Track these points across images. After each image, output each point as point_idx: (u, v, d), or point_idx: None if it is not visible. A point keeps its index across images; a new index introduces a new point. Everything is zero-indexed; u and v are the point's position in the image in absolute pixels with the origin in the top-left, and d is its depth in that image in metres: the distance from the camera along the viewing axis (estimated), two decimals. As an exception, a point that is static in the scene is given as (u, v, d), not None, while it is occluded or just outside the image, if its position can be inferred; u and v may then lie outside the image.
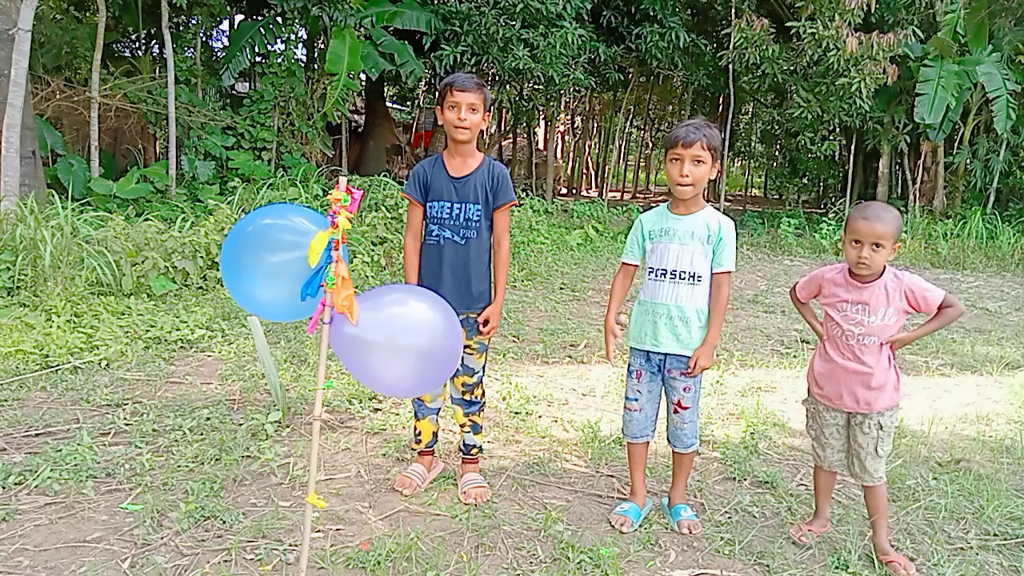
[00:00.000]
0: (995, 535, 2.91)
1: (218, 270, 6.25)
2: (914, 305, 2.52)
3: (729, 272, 2.76)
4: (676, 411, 2.81)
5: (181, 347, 4.85)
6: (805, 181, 18.41)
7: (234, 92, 12.48)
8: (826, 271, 2.69)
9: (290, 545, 2.59)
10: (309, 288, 1.48)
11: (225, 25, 14.07)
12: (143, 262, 5.96)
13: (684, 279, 2.75)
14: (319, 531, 2.71)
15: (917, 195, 13.76)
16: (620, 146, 21.98)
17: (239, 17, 13.57)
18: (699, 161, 2.67)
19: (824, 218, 13.34)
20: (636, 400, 2.87)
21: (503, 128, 18.85)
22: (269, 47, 11.44)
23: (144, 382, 4.16)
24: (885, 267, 2.55)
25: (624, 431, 2.94)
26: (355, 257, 7.15)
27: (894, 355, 2.61)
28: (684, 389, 2.79)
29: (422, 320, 1.51)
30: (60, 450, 3.19)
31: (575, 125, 24.10)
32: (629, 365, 2.89)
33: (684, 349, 2.76)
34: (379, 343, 1.49)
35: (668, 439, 2.92)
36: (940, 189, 13.63)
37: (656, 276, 2.81)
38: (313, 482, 1.55)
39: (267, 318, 1.84)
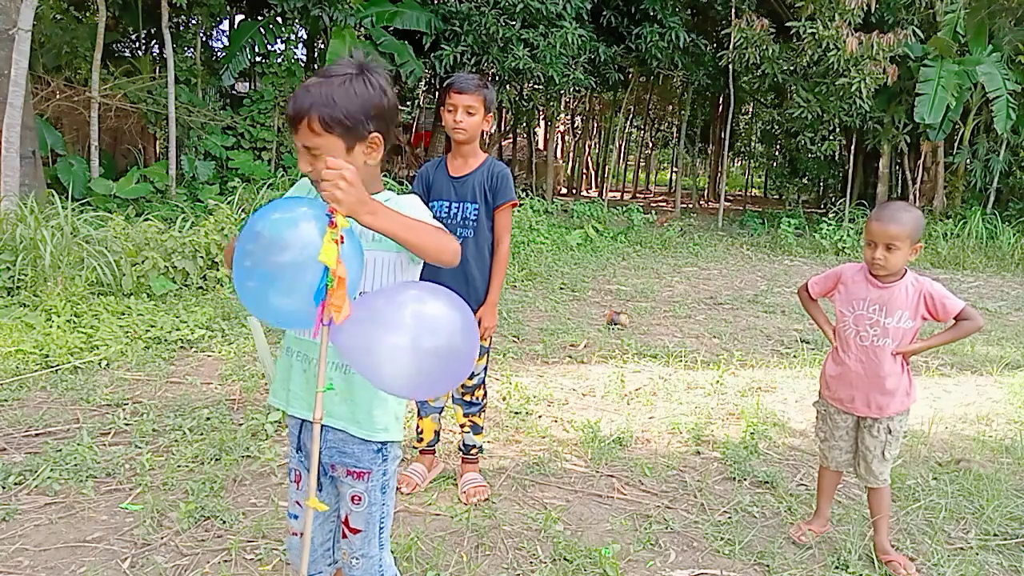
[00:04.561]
0: (995, 535, 2.91)
1: (218, 269, 6.25)
2: (932, 311, 2.49)
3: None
4: (344, 535, 1.78)
5: (181, 347, 4.84)
6: (805, 181, 18.41)
7: (234, 92, 12.48)
8: (846, 269, 2.65)
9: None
10: (318, 293, 1.48)
11: (225, 25, 14.07)
12: (143, 262, 5.96)
13: None
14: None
15: (917, 195, 13.75)
16: (620, 146, 21.99)
17: (239, 17, 13.57)
18: (307, 150, 1.55)
19: (824, 218, 13.33)
20: (295, 519, 1.82)
21: (503, 128, 18.84)
22: (269, 47, 11.44)
23: (144, 382, 4.16)
24: (906, 270, 2.53)
25: (292, 566, 1.90)
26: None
27: (907, 360, 2.59)
28: (353, 499, 1.73)
29: (444, 320, 1.47)
30: (60, 450, 3.19)
31: (575, 125, 24.11)
32: (288, 459, 1.87)
33: (341, 420, 1.69)
34: (400, 345, 1.45)
35: None
36: (940, 189, 13.63)
37: None
38: (313, 485, 1.54)
39: (288, 327, 1.73)
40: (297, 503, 1.81)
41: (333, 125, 1.52)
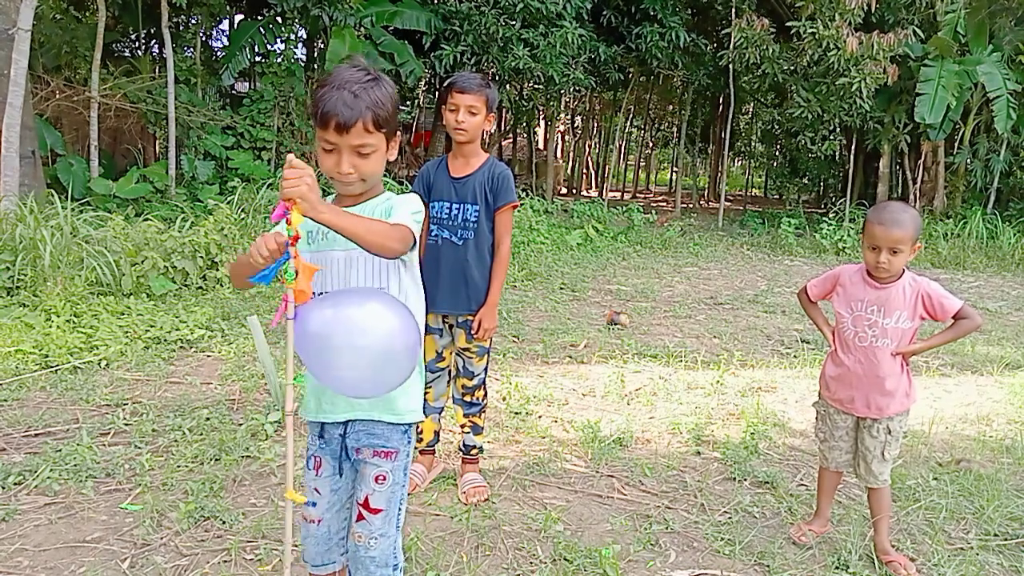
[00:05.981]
0: (995, 535, 2.91)
1: (218, 269, 6.25)
2: (930, 311, 2.49)
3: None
4: (360, 517, 1.82)
5: (181, 347, 4.84)
6: (805, 181, 18.40)
7: (234, 92, 12.48)
8: (843, 270, 2.65)
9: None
10: (263, 279, 1.53)
11: (225, 25, 14.06)
12: (143, 262, 5.96)
13: None
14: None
15: (917, 195, 13.75)
16: (620, 146, 21.99)
17: (239, 17, 13.55)
18: (355, 150, 1.72)
19: (824, 218, 13.32)
20: (313, 506, 1.87)
21: (503, 128, 18.84)
22: (269, 47, 11.43)
23: (144, 382, 4.16)
24: (904, 270, 2.52)
25: (304, 556, 1.94)
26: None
27: (907, 361, 2.59)
28: (377, 479, 1.80)
29: (378, 320, 1.54)
30: (60, 450, 3.19)
31: (575, 125, 24.09)
32: (308, 447, 1.93)
33: (374, 410, 1.79)
34: (335, 343, 1.52)
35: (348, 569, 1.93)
36: (940, 189, 13.62)
37: None
38: (291, 477, 1.56)
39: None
40: (316, 490, 1.87)
41: (383, 124, 1.69)
